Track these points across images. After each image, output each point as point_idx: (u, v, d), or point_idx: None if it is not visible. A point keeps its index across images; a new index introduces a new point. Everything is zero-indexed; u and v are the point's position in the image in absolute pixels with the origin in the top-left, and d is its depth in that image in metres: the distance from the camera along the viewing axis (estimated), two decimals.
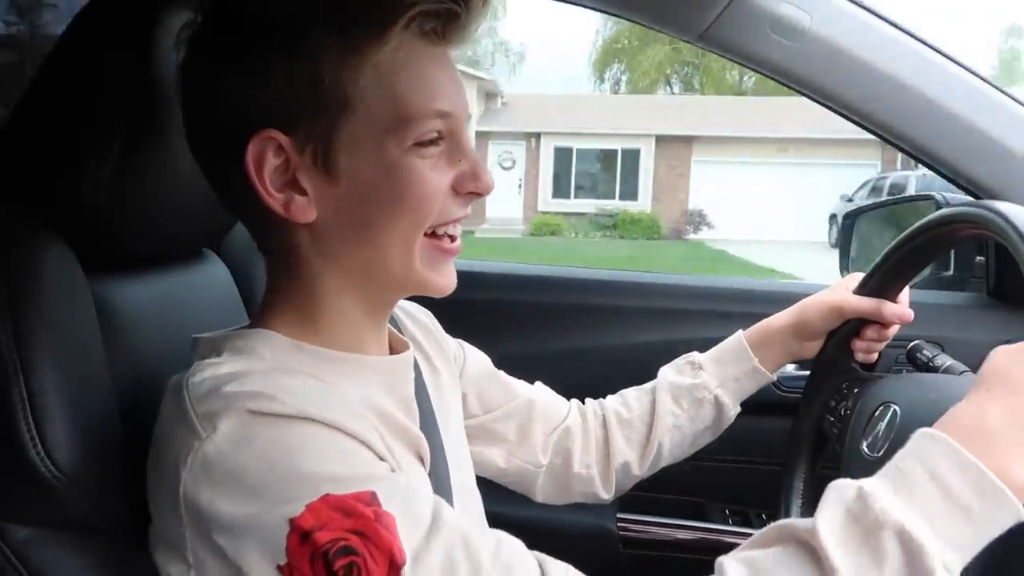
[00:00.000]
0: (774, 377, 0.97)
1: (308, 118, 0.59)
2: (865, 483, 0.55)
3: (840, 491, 0.56)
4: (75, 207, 0.65)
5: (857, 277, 0.94)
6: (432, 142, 0.62)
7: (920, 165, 1.10)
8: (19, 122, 0.67)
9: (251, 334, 0.64)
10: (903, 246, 0.86)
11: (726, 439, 1.02)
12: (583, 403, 0.99)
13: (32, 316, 0.58)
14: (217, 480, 0.53)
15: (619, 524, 1.28)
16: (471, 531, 0.56)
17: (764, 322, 0.97)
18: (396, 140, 0.60)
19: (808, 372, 1.00)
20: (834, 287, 0.96)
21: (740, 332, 0.97)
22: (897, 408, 0.78)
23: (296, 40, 0.58)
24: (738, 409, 0.96)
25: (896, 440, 0.76)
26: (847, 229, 1.54)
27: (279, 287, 0.67)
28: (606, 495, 0.96)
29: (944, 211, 0.80)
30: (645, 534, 1.28)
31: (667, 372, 0.98)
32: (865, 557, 0.53)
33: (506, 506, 1.05)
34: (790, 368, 1.30)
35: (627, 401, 0.97)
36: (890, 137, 1.07)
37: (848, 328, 0.93)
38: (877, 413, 0.81)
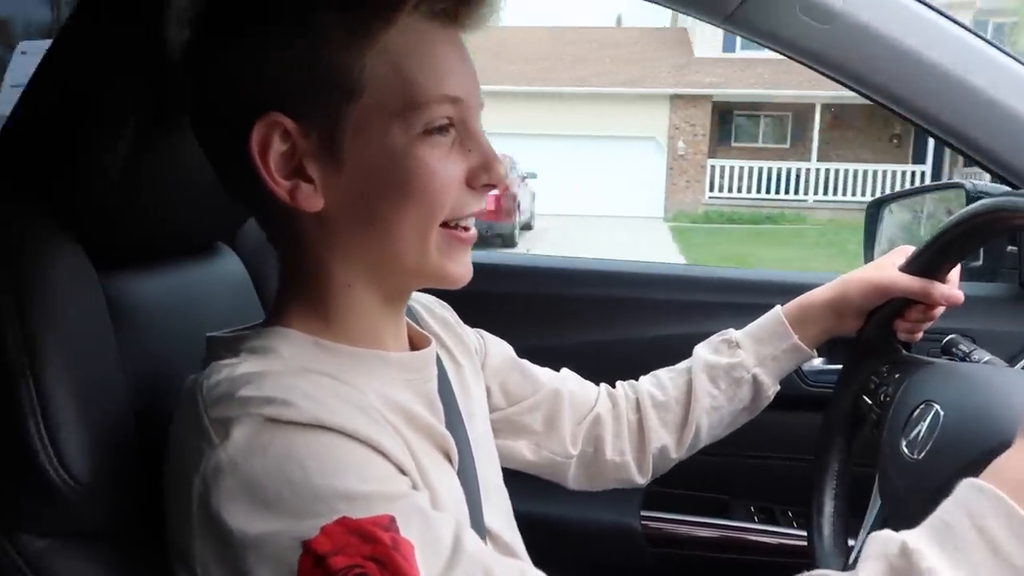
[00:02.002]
0: (814, 353, 0.93)
1: (313, 102, 0.57)
2: (909, 537, 0.51)
3: (883, 544, 0.52)
4: (83, 201, 0.62)
5: (906, 251, 0.89)
6: (441, 129, 0.59)
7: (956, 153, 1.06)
8: (24, 114, 0.64)
9: (269, 332, 0.61)
10: (954, 227, 0.82)
11: (752, 434, 0.99)
12: (613, 387, 0.96)
13: (42, 318, 0.56)
14: (230, 490, 0.51)
15: (643, 522, 1.26)
16: (493, 562, 0.54)
17: (803, 297, 0.94)
18: (403, 126, 0.58)
19: (838, 367, 0.97)
20: (878, 263, 0.92)
21: (778, 308, 0.94)
22: (940, 409, 0.75)
23: (301, 20, 0.56)
24: (777, 387, 0.93)
25: (938, 446, 0.72)
26: (872, 218, 1.51)
27: (292, 281, 0.64)
28: (642, 480, 0.93)
29: (995, 200, 0.77)
30: (670, 532, 1.25)
31: (702, 351, 0.94)
32: None
33: (531, 504, 1.03)
34: (817, 362, 1.27)
35: (661, 382, 0.94)
36: (923, 122, 1.03)
37: (892, 307, 0.90)
38: (918, 412, 0.77)
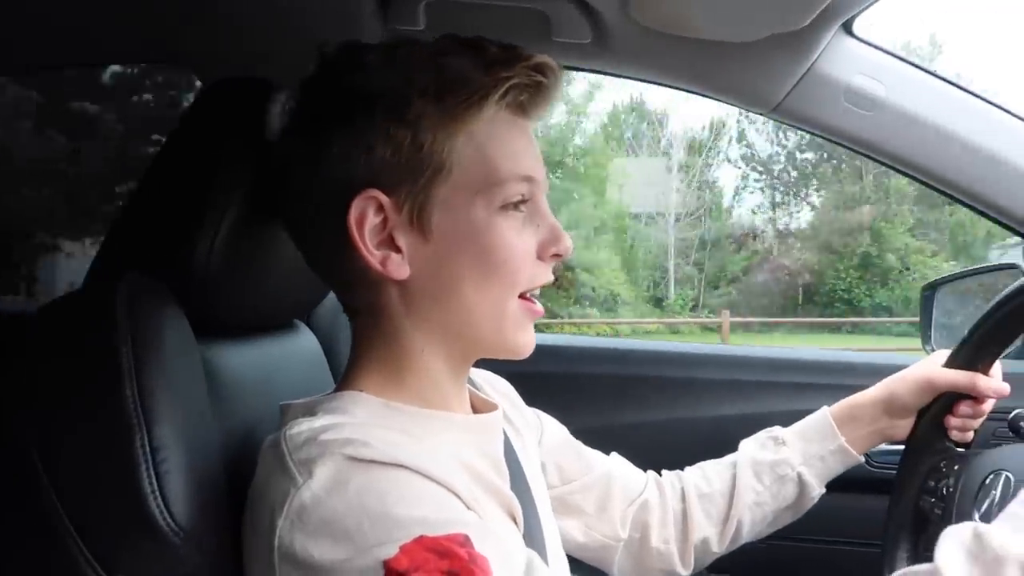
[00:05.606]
0: (862, 459, 0.93)
1: (408, 179, 0.63)
2: (979, 525, 0.56)
3: (955, 535, 0.56)
4: (188, 276, 0.68)
5: (946, 354, 0.91)
6: (516, 205, 0.65)
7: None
8: (144, 194, 0.72)
9: (341, 396, 0.65)
10: (990, 317, 0.84)
11: (812, 518, 0.98)
12: (660, 475, 0.96)
13: (154, 374, 0.60)
14: (312, 526, 0.54)
15: None
16: None
17: (851, 398, 0.94)
18: (485, 201, 0.64)
19: (901, 446, 0.96)
20: (923, 362, 0.93)
21: (825, 408, 0.94)
22: (1009, 474, 0.75)
23: (399, 108, 0.62)
24: (822, 490, 0.92)
25: None
26: (927, 301, 1.50)
27: (366, 347, 0.68)
28: (684, 572, 0.93)
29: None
30: None
31: (748, 446, 0.95)
32: None
33: None
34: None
35: (706, 474, 0.95)
36: (968, 200, 1.07)
37: (940, 404, 0.89)
38: (987, 482, 0.77)
